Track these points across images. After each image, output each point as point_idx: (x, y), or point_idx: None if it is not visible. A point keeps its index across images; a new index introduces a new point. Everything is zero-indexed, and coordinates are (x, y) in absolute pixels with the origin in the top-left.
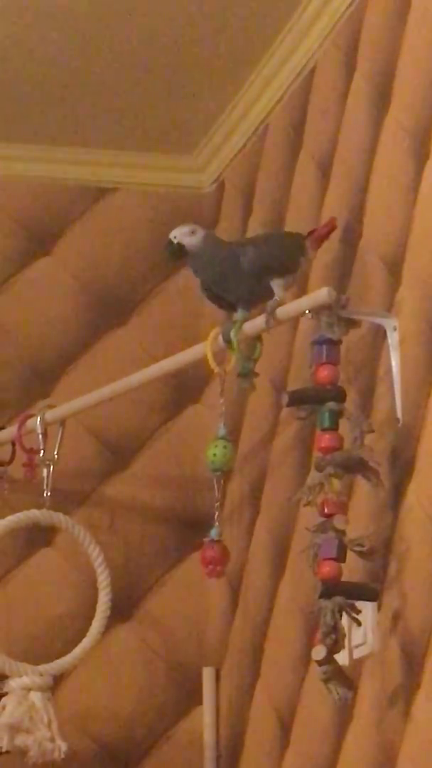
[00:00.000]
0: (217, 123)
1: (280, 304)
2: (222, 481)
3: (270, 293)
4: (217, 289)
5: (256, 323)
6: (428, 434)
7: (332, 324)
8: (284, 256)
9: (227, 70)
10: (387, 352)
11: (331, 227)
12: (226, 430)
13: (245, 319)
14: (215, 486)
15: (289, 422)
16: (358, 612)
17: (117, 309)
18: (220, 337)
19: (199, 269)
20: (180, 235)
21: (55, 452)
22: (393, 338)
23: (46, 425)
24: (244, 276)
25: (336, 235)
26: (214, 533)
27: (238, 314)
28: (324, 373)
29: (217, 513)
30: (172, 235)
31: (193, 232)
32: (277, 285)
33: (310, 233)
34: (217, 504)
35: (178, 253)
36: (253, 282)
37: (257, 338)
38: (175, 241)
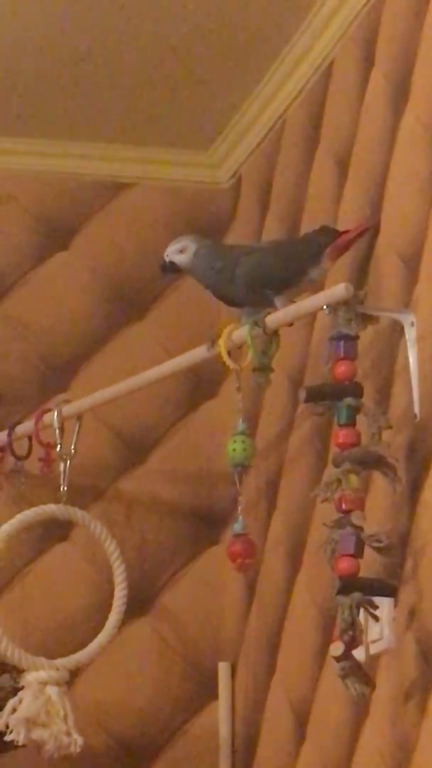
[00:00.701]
0: (235, 119)
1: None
2: (242, 476)
3: (271, 301)
4: (218, 297)
5: (272, 319)
6: None
7: (350, 319)
8: (285, 269)
9: (245, 65)
10: (404, 347)
11: (359, 233)
12: (245, 425)
13: (258, 317)
14: (236, 481)
15: (306, 418)
16: (376, 608)
17: (134, 304)
18: (236, 333)
19: (196, 280)
20: (171, 252)
21: (72, 447)
22: (410, 334)
23: (62, 420)
24: (239, 287)
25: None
26: (238, 527)
27: (243, 317)
28: (341, 368)
29: (240, 507)
30: (165, 253)
31: (182, 250)
32: (276, 299)
33: (338, 236)
34: (240, 498)
35: (171, 270)
36: (249, 293)
37: (273, 333)
38: (167, 260)
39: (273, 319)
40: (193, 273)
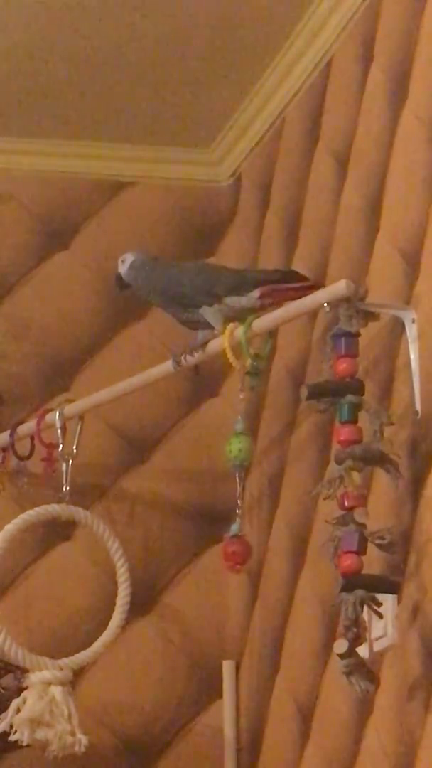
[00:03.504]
0: (234, 116)
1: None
2: (243, 476)
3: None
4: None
5: (266, 320)
6: None
7: (351, 316)
8: (191, 289)
9: (244, 63)
10: (405, 344)
11: (299, 290)
12: (244, 424)
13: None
14: (237, 481)
15: (307, 415)
16: (379, 605)
17: (135, 303)
18: (237, 332)
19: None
20: (119, 264)
21: (74, 446)
22: (411, 330)
23: (64, 420)
24: (160, 300)
25: (354, 228)
26: (234, 528)
27: (199, 335)
28: (343, 365)
29: (238, 509)
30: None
31: (123, 261)
32: (207, 314)
33: (282, 281)
34: (239, 500)
35: (118, 282)
36: (169, 306)
37: (268, 334)
38: (117, 272)
39: (266, 319)
40: (131, 282)
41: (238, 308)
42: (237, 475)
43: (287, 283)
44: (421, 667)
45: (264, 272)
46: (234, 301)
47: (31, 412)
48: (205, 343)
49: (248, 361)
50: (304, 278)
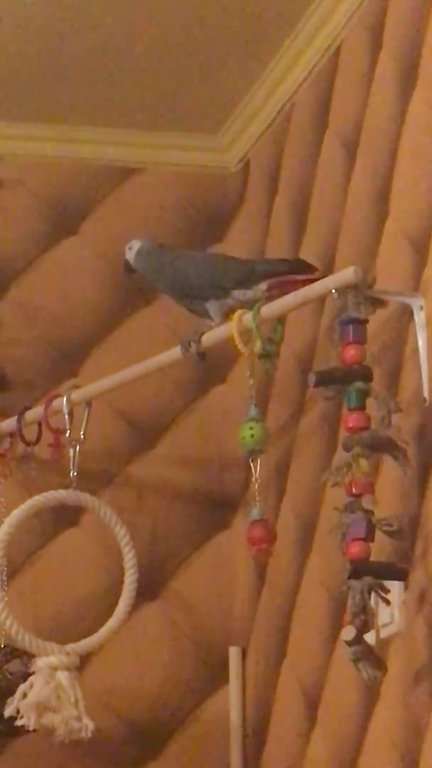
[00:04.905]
0: (243, 103)
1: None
2: (257, 462)
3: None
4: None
5: (274, 306)
6: None
7: (359, 303)
8: (201, 281)
9: (253, 49)
10: (414, 331)
11: (305, 281)
12: (257, 410)
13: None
14: (252, 467)
15: (315, 402)
16: (387, 592)
17: (143, 289)
18: (245, 318)
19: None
20: (126, 251)
21: (82, 432)
22: (420, 317)
23: (72, 405)
24: (168, 289)
25: (363, 215)
26: (255, 513)
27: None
28: (351, 352)
29: (257, 494)
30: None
31: (131, 248)
32: (208, 306)
33: (290, 272)
34: (256, 485)
35: (127, 268)
36: (177, 296)
37: (278, 320)
38: (125, 258)
39: (273, 307)
40: (139, 269)
41: (244, 301)
42: (250, 460)
43: (295, 274)
44: (427, 654)
45: (272, 263)
46: (241, 294)
47: (39, 398)
48: (202, 334)
49: (258, 344)
50: (312, 268)
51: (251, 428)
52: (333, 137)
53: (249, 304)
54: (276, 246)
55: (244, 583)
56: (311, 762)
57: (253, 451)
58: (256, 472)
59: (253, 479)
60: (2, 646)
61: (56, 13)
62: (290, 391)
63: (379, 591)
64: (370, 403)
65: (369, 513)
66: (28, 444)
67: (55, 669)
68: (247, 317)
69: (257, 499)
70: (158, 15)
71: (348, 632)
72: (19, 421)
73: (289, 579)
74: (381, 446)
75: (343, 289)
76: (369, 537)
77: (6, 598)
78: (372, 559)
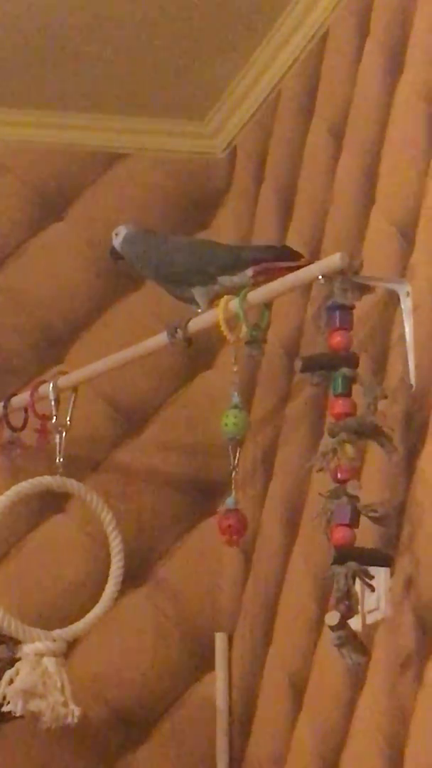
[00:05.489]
0: (229, 89)
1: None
2: (237, 449)
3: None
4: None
5: (260, 293)
6: None
7: (345, 289)
8: (186, 268)
9: (239, 35)
10: (400, 317)
11: (290, 268)
12: (239, 398)
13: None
14: (231, 454)
15: (301, 388)
16: (372, 578)
17: (130, 275)
18: (232, 304)
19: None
20: (112, 237)
21: (68, 418)
22: (406, 303)
23: (58, 391)
24: (154, 275)
25: (349, 201)
26: (230, 502)
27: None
28: (337, 338)
29: (233, 482)
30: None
31: (117, 234)
32: (195, 292)
33: (275, 258)
34: (234, 473)
35: (114, 254)
36: (162, 281)
37: (265, 306)
38: (111, 244)
39: (260, 291)
40: (125, 255)
41: (230, 287)
42: (231, 448)
43: (281, 261)
44: (413, 639)
45: (257, 249)
46: (227, 281)
47: (25, 384)
48: (188, 320)
49: (244, 330)
50: (298, 254)
51: (234, 416)
52: (320, 123)
53: (235, 290)
54: (263, 232)
55: (230, 570)
56: (297, 747)
57: (233, 438)
58: (235, 460)
59: (231, 467)
60: None
61: None
62: (277, 377)
63: (364, 577)
64: (357, 389)
65: (354, 499)
66: (14, 430)
67: (41, 655)
68: (234, 303)
69: (233, 487)
70: (145, 1)
71: (332, 617)
72: (5, 407)
73: (275, 565)
74: (367, 432)
75: (330, 275)
76: (354, 523)
77: None
78: (357, 545)
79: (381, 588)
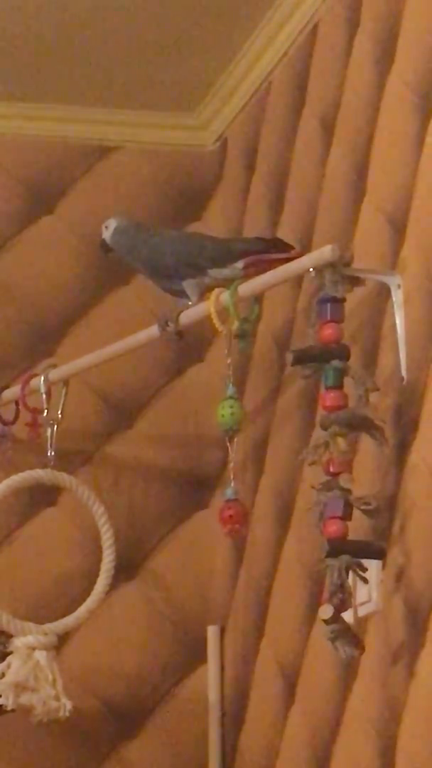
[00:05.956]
0: (220, 81)
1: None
2: (233, 441)
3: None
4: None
5: (251, 285)
6: None
7: (336, 282)
8: (175, 260)
9: (229, 27)
10: (391, 310)
11: (282, 260)
12: (234, 389)
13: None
14: (228, 446)
15: (293, 381)
16: (364, 570)
17: (120, 268)
18: (223, 296)
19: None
20: (102, 230)
21: (59, 412)
22: (397, 296)
23: (49, 385)
24: (145, 268)
25: (340, 193)
26: (230, 493)
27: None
28: (328, 331)
29: (231, 473)
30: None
31: (107, 227)
32: (185, 285)
33: (265, 251)
34: (231, 464)
35: (104, 247)
36: (153, 275)
37: (255, 299)
38: (101, 238)
39: (251, 284)
40: (115, 248)
41: (221, 279)
42: (227, 439)
43: (272, 253)
44: (405, 632)
45: (248, 242)
46: (217, 273)
47: (16, 377)
48: (179, 313)
49: (235, 324)
50: (288, 246)
51: (231, 407)
52: (310, 115)
53: (226, 283)
54: (253, 224)
55: (223, 562)
56: (289, 740)
57: (230, 430)
58: (232, 451)
59: (229, 458)
60: None
61: None
62: (268, 370)
63: (357, 569)
64: (348, 381)
65: (346, 492)
66: (5, 423)
67: (32, 649)
68: (224, 296)
69: (232, 478)
70: None
71: (325, 611)
72: None
73: (267, 558)
74: (358, 425)
75: (321, 267)
76: (346, 515)
77: None
78: (349, 537)
79: (373, 580)
